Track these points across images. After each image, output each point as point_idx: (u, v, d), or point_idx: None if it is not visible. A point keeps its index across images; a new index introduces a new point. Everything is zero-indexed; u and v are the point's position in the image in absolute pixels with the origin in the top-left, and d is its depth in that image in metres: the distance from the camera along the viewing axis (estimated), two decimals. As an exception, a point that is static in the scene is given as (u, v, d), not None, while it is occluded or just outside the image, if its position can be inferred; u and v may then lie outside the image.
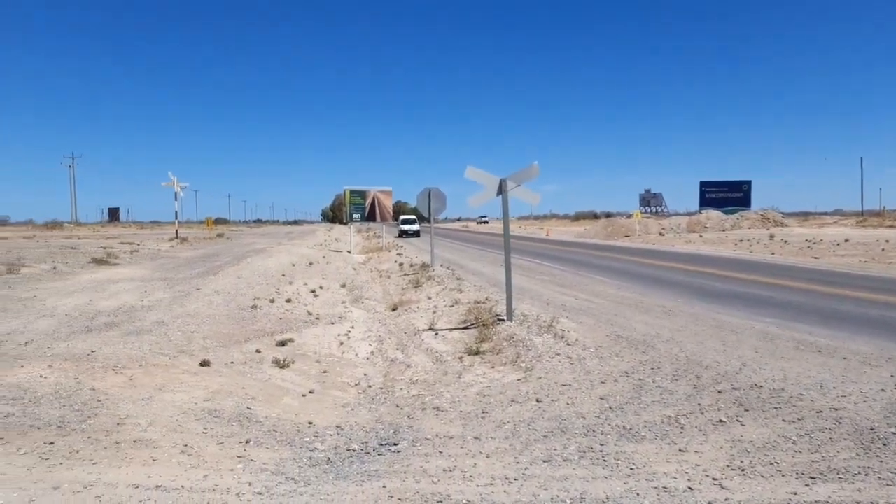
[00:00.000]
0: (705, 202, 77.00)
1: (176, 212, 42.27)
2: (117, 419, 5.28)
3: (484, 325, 9.31)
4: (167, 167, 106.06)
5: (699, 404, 5.39)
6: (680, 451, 4.46)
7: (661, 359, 6.95)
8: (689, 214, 58.55)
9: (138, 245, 32.55)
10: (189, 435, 4.97)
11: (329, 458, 4.54)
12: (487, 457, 4.49)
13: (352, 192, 32.56)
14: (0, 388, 6.09)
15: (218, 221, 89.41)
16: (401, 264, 21.35)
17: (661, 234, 42.98)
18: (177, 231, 42.71)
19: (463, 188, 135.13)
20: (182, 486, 4.01)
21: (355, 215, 32.71)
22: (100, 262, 20.22)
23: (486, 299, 11.75)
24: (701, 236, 38.14)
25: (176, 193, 39.23)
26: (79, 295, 12.50)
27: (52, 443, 4.74)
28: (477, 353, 7.98)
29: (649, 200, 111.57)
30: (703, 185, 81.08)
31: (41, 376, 6.53)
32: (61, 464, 4.36)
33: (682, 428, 4.89)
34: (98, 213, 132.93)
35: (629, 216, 54.61)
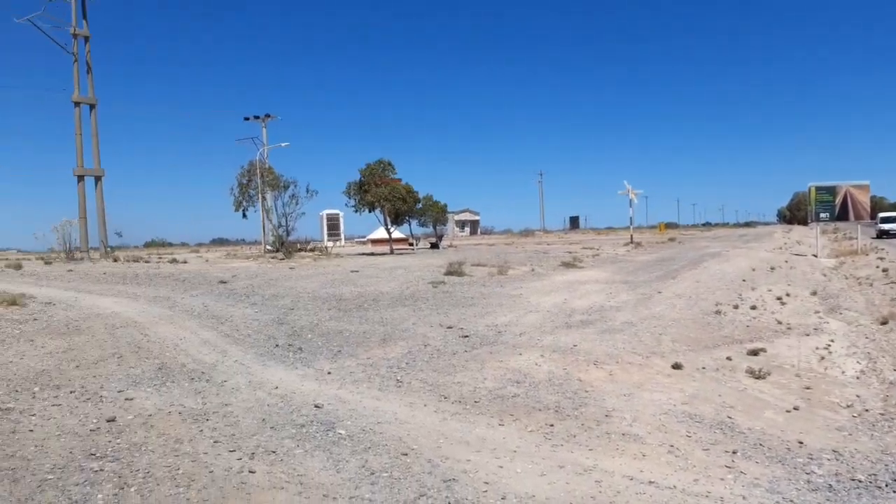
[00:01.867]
0: None
1: (630, 217, 44.20)
2: (604, 411, 5.77)
3: None
4: (620, 177, 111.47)
5: None
6: None
7: None
8: None
9: (598, 249, 35.03)
10: (673, 436, 5.12)
11: (830, 486, 4.12)
12: None
13: (818, 188, 28.91)
14: (507, 371, 7.27)
15: (668, 226, 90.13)
16: (885, 270, 18.09)
17: None
18: (631, 236, 44.51)
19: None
20: (674, 486, 4.15)
21: (822, 214, 28.96)
22: (567, 265, 22.42)
23: None
24: None
25: (630, 200, 41.05)
26: (555, 294, 14.10)
27: (552, 425, 5.45)
28: None
29: None
30: None
31: (536, 364, 7.57)
32: (562, 445, 4.97)
33: None
34: (561, 222, 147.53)
35: None
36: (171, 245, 75.53)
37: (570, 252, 31.52)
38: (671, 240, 51.01)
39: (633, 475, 4.34)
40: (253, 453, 4.78)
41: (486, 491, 4.07)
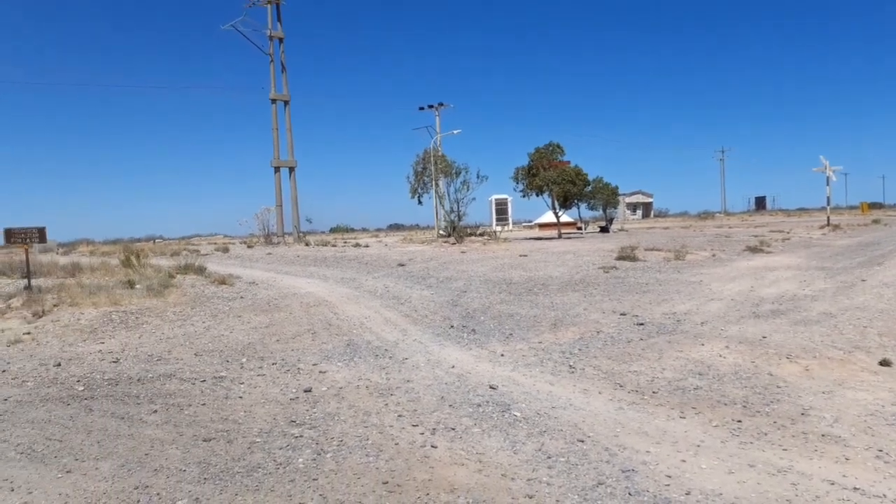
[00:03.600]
0: None
1: (827, 197, 40.01)
2: (800, 409, 5.33)
3: None
4: (814, 152, 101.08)
5: None
6: None
7: None
8: None
9: (788, 233, 32.14)
10: (882, 440, 4.61)
11: None
12: None
13: None
14: (687, 362, 6.96)
15: (872, 206, 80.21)
16: None
17: None
18: (828, 217, 40.28)
19: None
20: (884, 496, 3.75)
21: None
22: (753, 249, 20.83)
23: None
24: None
25: (828, 178, 37.19)
26: (740, 281, 13.18)
27: (739, 421, 5.13)
28: None
29: None
30: None
31: (720, 355, 7.16)
32: (751, 443, 4.67)
33: None
34: (744, 203, 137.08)
35: None
36: (353, 230, 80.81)
37: (755, 235, 29.20)
38: (875, 221, 45.34)
39: (834, 479, 3.98)
40: (434, 429, 5.03)
41: (668, 485, 3.95)
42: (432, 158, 36.44)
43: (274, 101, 41.47)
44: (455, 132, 44.07)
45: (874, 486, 3.90)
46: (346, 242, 33.42)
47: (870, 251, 19.61)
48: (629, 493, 3.84)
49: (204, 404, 5.84)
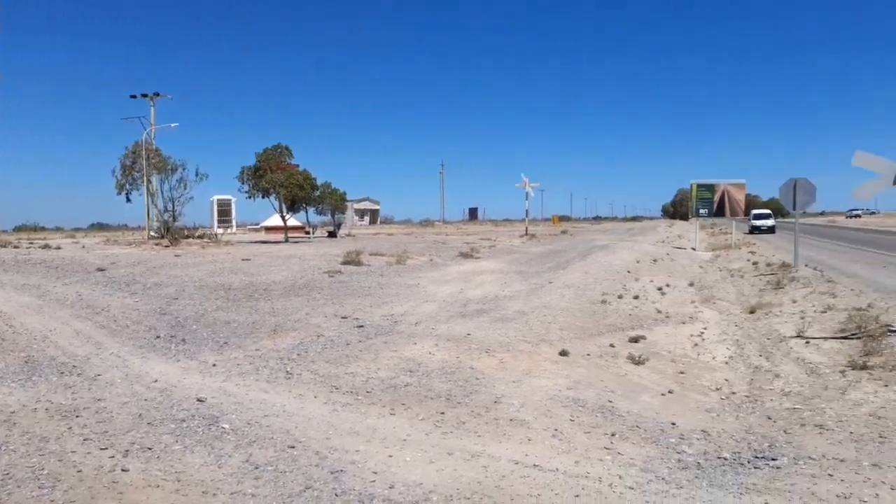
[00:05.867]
0: None
1: (526, 210, 45.49)
2: (494, 398, 5.88)
3: (870, 335, 8.00)
4: (519, 170, 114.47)
5: None
6: None
7: None
8: None
9: (494, 241, 35.74)
10: (558, 420, 5.29)
11: (699, 464, 4.40)
12: (893, 488, 3.86)
13: (699, 186, 30.90)
14: (400, 360, 7.27)
15: (561, 219, 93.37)
16: (755, 263, 19.60)
17: None
18: (526, 228, 45.81)
19: (826, 181, 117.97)
20: (557, 469, 4.29)
21: (702, 210, 31.03)
22: (465, 255, 22.72)
23: (869, 306, 10.11)
24: None
25: (527, 193, 42.25)
26: (452, 284, 14.25)
27: (442, 413, 5.48)
28: (864, 367, 6.91)
29: None
30: None
31: (430, 353, 7.61)
32: (451, 432, 5.02)
33: None
34: (460, 213, 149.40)
35: None
36: (44, 229, 69.99)
37: (467, 243, 31.96)
38: (564, 232, 52.91)
39: (518, 459, 4.44)
40: (127, 451, 4.51)
41: (373, 481, 4.03)
42: (144, 152, 33.24)
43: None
44: (172, 126, 40.66)
45: (550, 461, 4.43)
46: (32, 243, 28.77)
47: (557, 258, 22.66)
48: (335, 494, 3.83)
49: None
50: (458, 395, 5.99)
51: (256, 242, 35.56)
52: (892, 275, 15.51)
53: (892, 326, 8.23)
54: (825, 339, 8.51)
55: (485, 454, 4.54)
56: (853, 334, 8.43)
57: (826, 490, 3.89)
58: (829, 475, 4.13)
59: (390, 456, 4.48)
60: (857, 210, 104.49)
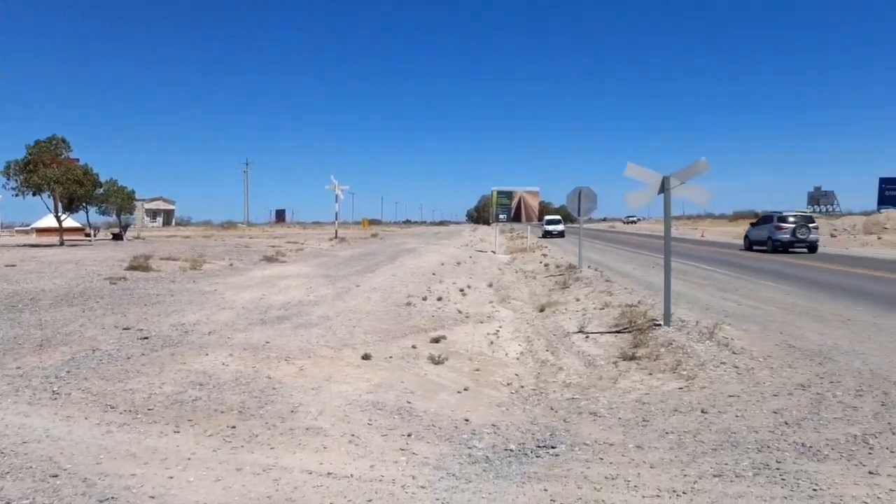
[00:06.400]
0: (885, 200, 69.13)
1: (336, 213, 45.10)
2: (291, 407, 5.68)
3: (639, 329, 8.98)
4: (328, 171, 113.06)
5: (889, 423, 4.85)
6: (870, 473, 4.03)
7: (841, 371, 6.34)
8: (866, 214, 52.81)
9: (302, 244, 34.94)
10: (356, 425, 5.23)
11: (488, 457, 4.58)
12: (652, 467, 4.31)
13: (499, 192, 32.84)
14: (189, 373, 6.77)
15: (372, 222, 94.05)
16: (546, 265, 21.16)
17: (832, 235, 39.08)
18: (336, 231, 45.36)
19: (608, 188, 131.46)
20: (351, 475, 4.22)
21: (501, 216, 32.99)
22: (270, 259, 21.91)
23: (639, 302, 11.34)
24: (880, 238, 34.44)
25: (337, 196, 41.83)
26: (253, 289, 13.63)
27: (234, 427, 5.18)
28: (632, 358, 7.71)
29: (819, 199, 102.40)
30: (883, 181, 72.72)
31: (223, 364, 7.18)
32: (242, 447, 4.75)
33: (870, 448, 4.42)
34: (266, 215, 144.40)
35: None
36: None
37: (273, 246, 30.91)
38: (374, 236, 53.31)
39: (312, 469, 4.31)
40: None
41: (149, 507, 3.67)
42: None
43: None
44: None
45: (345, 468, 4.36)
46: None
47: (366, 261, 22.71)
48: (102, 528, 3.43)
49: None
50: (252, 406, 5.70)
51: (27, 246, 31.41)
52: (659, 274, 17.56)
53: (657, 321, 9.29)
54: (602, 333, 9.38)
55: (277, 466, 4.35)
56: (625, 328, 9.40)
57: (597, 473, 4.24)
58: (600, 459, 4.52)
59: (171, 477, 4.12)
60: (633, 216, 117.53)
